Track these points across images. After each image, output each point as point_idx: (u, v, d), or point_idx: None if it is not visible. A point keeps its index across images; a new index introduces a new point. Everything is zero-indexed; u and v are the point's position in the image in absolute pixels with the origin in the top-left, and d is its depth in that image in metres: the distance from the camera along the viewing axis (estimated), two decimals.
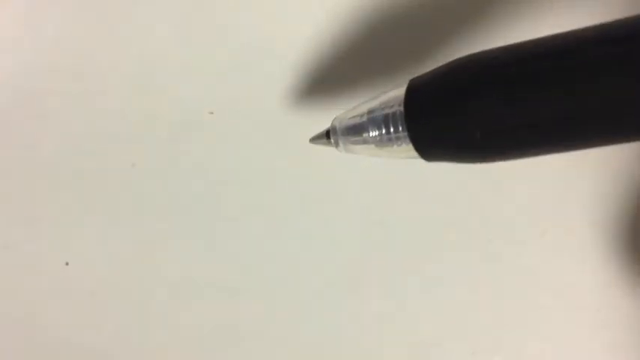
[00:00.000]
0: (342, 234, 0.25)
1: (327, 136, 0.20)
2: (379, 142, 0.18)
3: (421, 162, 0.18)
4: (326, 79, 0.24)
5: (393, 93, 0.18)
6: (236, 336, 0.25)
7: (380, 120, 0.18)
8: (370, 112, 0.19)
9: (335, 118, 0.20)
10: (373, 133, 0.18)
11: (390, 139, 0.18)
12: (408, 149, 0.18)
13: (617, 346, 0.24)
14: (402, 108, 0.17)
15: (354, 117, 0.19)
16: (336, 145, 0.20)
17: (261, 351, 0.25)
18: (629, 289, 0.24)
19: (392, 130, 0.18)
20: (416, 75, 0.18)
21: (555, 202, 0.24)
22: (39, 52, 0.25)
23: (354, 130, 0.19)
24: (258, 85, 0.25)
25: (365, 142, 0.19)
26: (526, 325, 0.24)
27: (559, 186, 0.24)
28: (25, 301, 0.25)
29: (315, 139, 0.21)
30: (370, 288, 0.25)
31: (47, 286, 0.25)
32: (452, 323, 0.24)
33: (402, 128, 0.17)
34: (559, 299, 0.24)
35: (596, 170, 0.24)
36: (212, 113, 0.25)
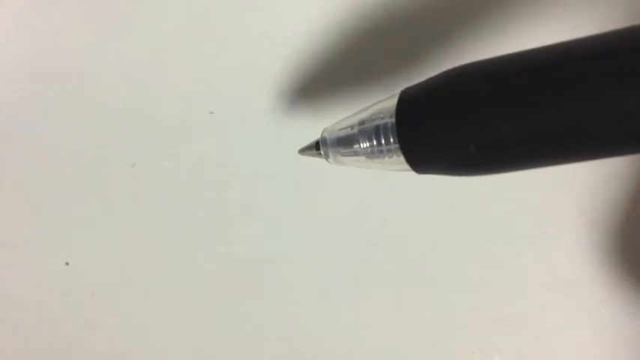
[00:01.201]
0: (342, 233, 0.25)
1: (316, 147, 0.20)
2: (370, 154, 0.18)
3: None
4: (326, 79, 0.24)
5: (384, 103, 0.17)
6: (236, 336, 0.25)
7: (371, 131, 0.17)
8: (361, 123, 0.18)
9: (324, 130, 0.20)
10: (364, 145, 0.18)
11: (381, 151, 0.17)
12: (399, 161, 0.17)
13: (617, 346, 0.24)
14: (393, 119, 0.17)
15: (344, 128, 0.19)
16: (326, 156, 0.20)
17: (261, 351, 0.25)
18: (629, 289, 0.24)
19: (383, 141, 0.17)
20: (408, 85, 0.17)
21: (555, 202, 0.24)
22: (39, 52, 0.25)
23: (345, 142, 0.19)
24: (258, 85, 0.25)
25: (355, 153, 0.18)
26: (526, 325, 0.24)
27: (558, 186, 0.24)
28: (25, 301, 0.25)
29: (304, 151, 0.21)
30: (370, 288, 0.25)
31: (47, 286, 0.25)
32: (452, 323, 0.24)
33: (394, 140, 0.17)
34: (559, 299, 0.24)
35: (595, 170, 0.24)
36: (212, 113, 0.25)
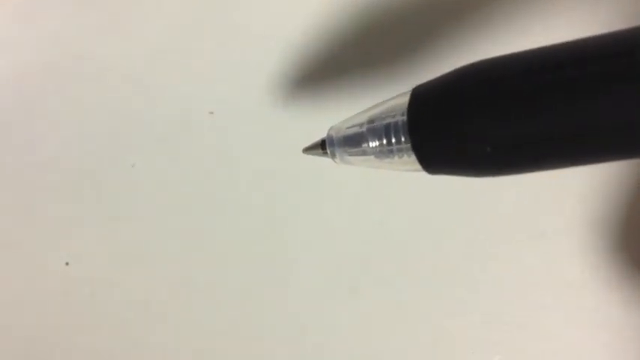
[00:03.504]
0: (342, 233, 0.25)
1: (322, 146, 0.19)
2: (379, 153, 0.17)
3: None
4: (327, 79, 0.24)
5: (395, 101, 0.17)
6: (236, 335, 0.25)
7: (381, 130, 0.17)
8: (370, 121, 0.17)
9: (331, 128, 0.19)
10: (373, 144, 0.17)
11: (391, 151, 0.17)
12: (410, 161, 0.16)
13: (617, 346, 0.24)
14: (404, 118, 0.16)
15: (352, 127, 0.18)
16: (332, 156, 0.19)
17: (261, 351, 0.25)
18: (629, 289, 0.24)
19: (393, 141, 0.16)
20: (415, 81, 0.16)
21: (554, 202, 0.24)
22: (39, 52, 0.25)
23: (353, 141, 0.18)
24: (258, 85, 0.25)
25: (364, 153, 0.18)
26: (526, 325, 0.24)
27: (558, 186, 0.24)
28: (25, 301, 0.25)
29: (309, 150, 0.20)
30: (370, 288, 0.25)
31: (47, 286, 0.25)
32: (452, 323, 0.24)
33: (405, 139, 0.16)
34: (559, 299, 0.24)
35: (595, 170, 0.24)
36: (212, 113, 0.25)
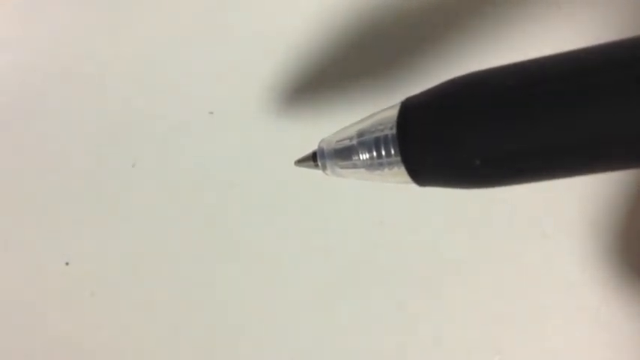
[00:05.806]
0: (342, 233, 0.25)
1: (313, 158, 0.19)
2: (370, 166, 0.17)
3: None
4: (326, 80, 0.24)
5: (384, 114, 0.17)
6: (236, 336, 0.25)
7: (370, 143, 0.17)
8: (360, 134, 0.17)
9: (322, 141, 0.19)
10: (363, 157, 0.17)
11: (381, 164, 0.17)
12: (400, 173, 0.16)
13: (617, 346, 0.24)
14: (394, 131, 0.16)
15: (342, 140, 0.18)
16: (323, 168, 0.19)
17: (261, 351, 0.25)
18: (629, 289, 0.24)
19: (383, 153, 0.17)
20: (410, 87, 0.16)
21: (555, 203, 0.24)
22: (39, 52, 0.25)
23: (343, 154, 0.18)
24: (258, 85, 0.25)
25: (354, 166, 0.18)
26: (526, 325, 0.24)
27: (558, 186, 0.24)
28: (25, 301, 0.25)
29: (300, 162, 0.20)
30: (370, 288, 0.25)
31: (47, 286, 0.25)
32: (452, 323, 0.24)
33: (395, 152, 0.16)
34: (559, 299, 0.24)
35: None
36: (212, 113, 0.25)
